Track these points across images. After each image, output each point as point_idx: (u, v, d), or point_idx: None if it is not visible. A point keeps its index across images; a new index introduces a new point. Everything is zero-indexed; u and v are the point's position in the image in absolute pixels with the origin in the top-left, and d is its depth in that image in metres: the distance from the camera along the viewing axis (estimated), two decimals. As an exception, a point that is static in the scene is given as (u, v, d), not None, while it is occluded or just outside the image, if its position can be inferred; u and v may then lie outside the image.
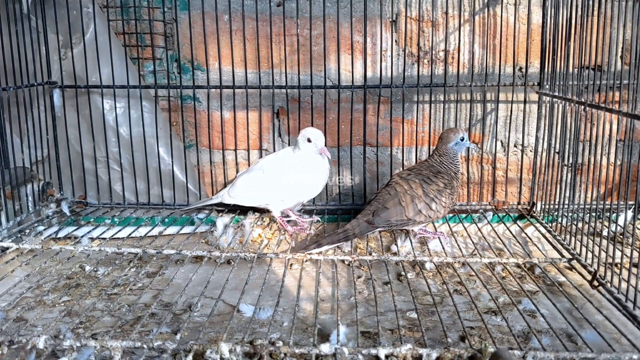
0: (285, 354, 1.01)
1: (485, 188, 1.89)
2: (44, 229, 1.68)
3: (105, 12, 1.81)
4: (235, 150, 1.91)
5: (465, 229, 1.72)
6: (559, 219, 1.60)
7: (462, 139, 1.59)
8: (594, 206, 1.45)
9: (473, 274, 1.41)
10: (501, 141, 1.88)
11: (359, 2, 1.79)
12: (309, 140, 1.60)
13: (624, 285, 1.18)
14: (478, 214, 1.79)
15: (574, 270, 1.41)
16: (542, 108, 1.76)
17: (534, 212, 1.77)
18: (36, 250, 1.49)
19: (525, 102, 1.80)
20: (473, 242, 1.58)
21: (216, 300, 1.23)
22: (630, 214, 1.60)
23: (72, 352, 1.00)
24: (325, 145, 1.82)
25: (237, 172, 1.89)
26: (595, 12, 1.35)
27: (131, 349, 1.01)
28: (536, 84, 1.78)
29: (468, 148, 1.82)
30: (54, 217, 1.78)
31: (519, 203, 1.85)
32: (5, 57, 1.61)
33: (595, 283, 1.28)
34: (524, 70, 1.81)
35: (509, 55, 1.80)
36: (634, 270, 1.23)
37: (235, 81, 1.81)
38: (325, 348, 0.99)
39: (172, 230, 1.71)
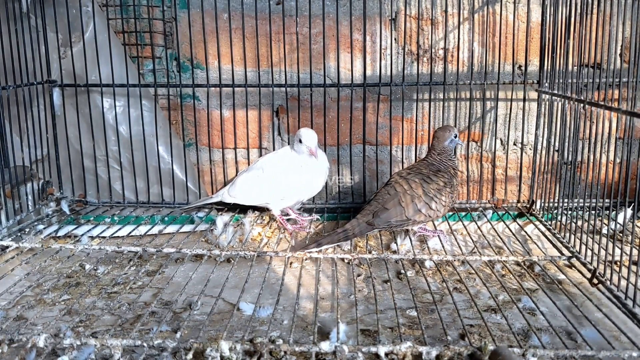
0: (285, 352, 1.01)
1: (485, 186, 1.89)
2: (44, 228, 1.68)
3: (104, 11, 1.81)
4: (235, 149, 1.91)
5: (464, 227, 1.72)
6: (559, 217, 1.60)
7: (456, 136, 1.60)
8: (594, 204, 1.45)
9: (473, 272, 1.41)
10: (500, 139, 1.88)
11: (358, 0, 1.79)
12: (300, 141, 1.60)
13: (623, 283, 1.19)
14: (478, 212, 1.79)
15: (573, 268, 1.41)
16: (541, 106, 1.76)
17: (534, 210, 1.77)
18: (36, 249, 1.49)
19: (524, 100, 1.80)
20: (472, 240, 1.58)
21: (216, 299, 1.24)
22: (629, 211, 1.60)
23: (72, 351, 1.00)
24: (324, 144, 1.83)
25: (237, 170, 1.89)
26: (594, 10, 1.35)
27: (131, 347, 1.01)
28: (535, 82, 1.78)
29: (463, 146, 1.83)
30: (53, 215, 1.78)
31: (518, 201, 1.85)
32: (4, 56, 1.61)
33: (595, 281, 1.28)
34: (523, 68, 1.81)
35: (509, 53, 1.80)
36: (634, 268, 1.23)
37: (235, 80, 1.81)
38: (325, 346, 0.99)
39: (171, 228, 1.71)
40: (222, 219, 1.70)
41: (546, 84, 1.72)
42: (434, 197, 1.52)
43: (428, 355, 0.98)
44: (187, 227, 1.72)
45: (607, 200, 1.73)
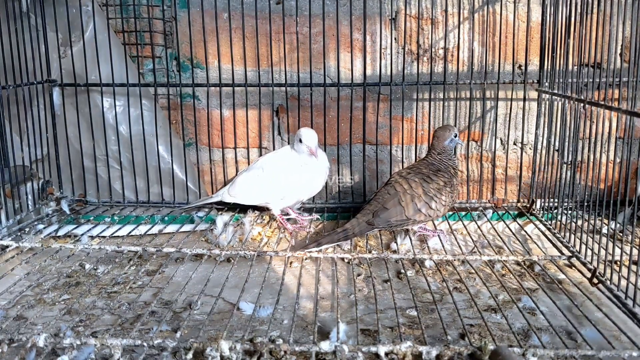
0: (285, 352, 1.01)
1: (485, 186, 1.89)
2: (44, 228, 1.68)
3: (104, 10, 1.81)
4: (235, 148, 1.91)
5: (464, 226, 1.72)
6: (559, 217, 1.60)
7: (455, 136, 1.60)
8: (594, 204, 1.45)
9: (473, 271, 1.41)
10: (500, 139, 1.88)
11: (358, 0, 1.79)
12: (300, 141, 1.60)
13: (623, 282, 1.19)
14: (478, 212, 1.79)
15: (573, 268, 1.41)
16: (541, 106, 1.76)
17: (534, 210, 1.77)
18: (36, 249, 1.49)
19: (524, 99, 1.80)
20: (473, 239, 1.58)
21: (216, 299, 1.24)
22: (629, 211, 1.60)
23: (72, 350, 1.00)
24: (324, 144, 1.83)
25: (237, 170, 1.89)
26: (595, 10, 1.35)
27: (131, 347, 1.01)
28: (535, 81, 1.78)
29: (463, 145, 1.83)
30: (53, 215, 1.78)
31: (518, 201, 1.85)
32: (4, 56, 1.61)
33: (595, 280, 1.28)
34: (523, 67, 1.81)
35: (509, 53, 1.80)
36: (634, 267, 1.23)
37: (235, 79, 1.81)
38: (325, 346, 0.99)
39: (171, 228, 1.71)
40: (222, 218, 1.70)
41: (546, 84, 1.72)
42: (434, 196, 1.52)
43: (428, 355, 0.98)
44: (187, 227, 1.72)
45: (607, 200, 1.73)
